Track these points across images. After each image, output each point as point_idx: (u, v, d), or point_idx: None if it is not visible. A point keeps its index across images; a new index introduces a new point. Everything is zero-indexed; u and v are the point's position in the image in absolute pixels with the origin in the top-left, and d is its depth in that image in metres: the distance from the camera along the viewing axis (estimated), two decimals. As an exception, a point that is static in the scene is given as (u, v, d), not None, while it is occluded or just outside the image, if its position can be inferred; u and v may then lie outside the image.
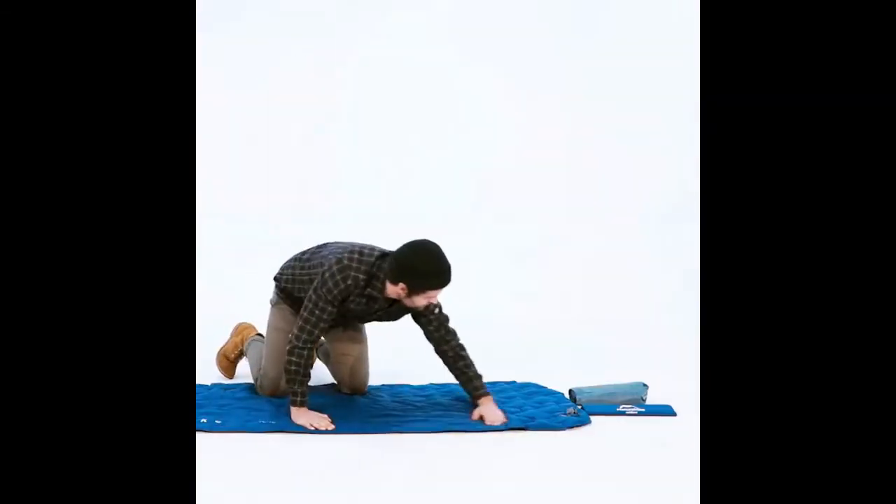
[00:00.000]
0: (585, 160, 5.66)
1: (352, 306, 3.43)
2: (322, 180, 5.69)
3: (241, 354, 3.98)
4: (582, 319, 5.03)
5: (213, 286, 5.00)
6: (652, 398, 3.68)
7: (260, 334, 3.94)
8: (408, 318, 3.58)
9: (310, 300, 3.38)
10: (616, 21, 5.72)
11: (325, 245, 3.62)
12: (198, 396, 3.56)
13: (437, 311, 3.52)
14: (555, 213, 5.61)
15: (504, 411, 3.43)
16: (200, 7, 4.62)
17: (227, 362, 3.97)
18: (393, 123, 5.72)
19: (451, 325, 3.56)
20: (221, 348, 4.01)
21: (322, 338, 3.64)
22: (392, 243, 3.54)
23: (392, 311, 3.50)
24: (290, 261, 3.68)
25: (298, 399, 3.36)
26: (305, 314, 3.37)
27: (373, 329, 3.86)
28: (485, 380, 3.54)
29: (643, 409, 3.55)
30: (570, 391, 3.71)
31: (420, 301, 3.35)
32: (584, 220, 5.60)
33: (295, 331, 3.38)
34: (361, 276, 3.35)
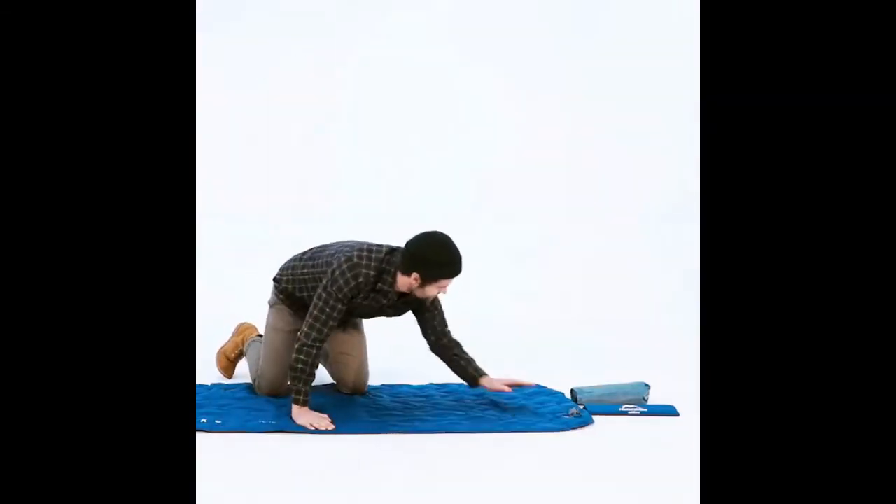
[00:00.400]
0: (585, 160, 5.67)
1: (361, 302, 3.44)
2: (322, 180, 5.69)
3: (240, 355, 3.98)
4: (582, 319, 5.04)
5: (212, 286, 5.01)
6: (652, 398, 3.68)
7: (260, 335, 3.94)
8: (408, 316, 3.59)
9: (319, 298, 3.38)
10: (616, 21, 5.73)
11: (327, 245, 3.62)
12: (198, 396, 3.56)
13: (439, 305, 3.57)
14: (555, 213, 5.61)
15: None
16: (200, 7, 4.62)
17: (227, 362, 3.97)
18: (393, 123, 5.73)
19: (450, 323, 3.61)
20: (221, 348, 4.01)
21: None
22: (393, 243, 3.54)
23: (399, 305, 3.51)
24: (289, 261, 3.68)
25: (301, 398, 3.36)
26: (315, 312, 3.37)
27: (372, 328, 3.86)
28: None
29: (645, 409, 3.55)
30: (572, 391, 3.71)
31: (432, 291, 3.38)
32: (584, 220, 5.60)
33: (304, 328, 3.37)
34: (372, 273, 3.37)
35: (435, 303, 3.54)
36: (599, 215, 5.61)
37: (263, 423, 3.34)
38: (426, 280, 3.34)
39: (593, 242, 5.52)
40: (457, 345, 3.60)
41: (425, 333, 3.60)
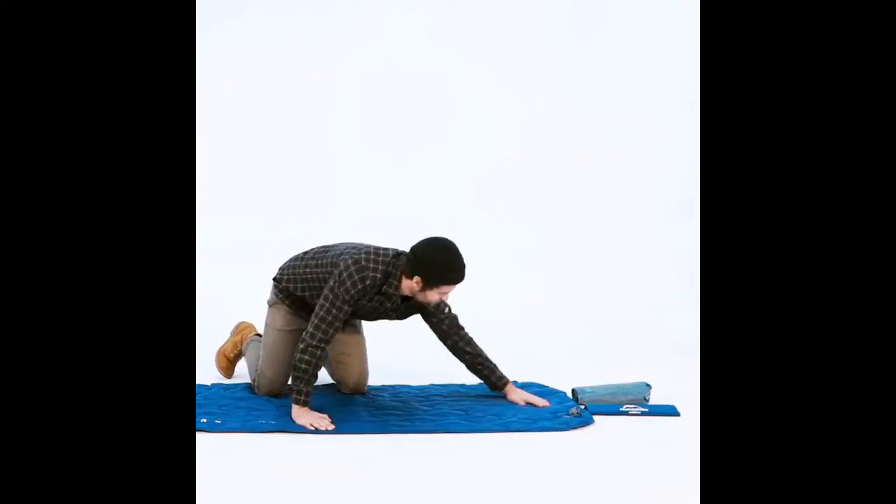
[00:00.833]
0: (586, 160, 5.66)
1: (366, 304, 3.46)
2: (322, 180, 5.69)
3: (239, 354, 3.98)
4: (582, 319, 5.03)
5: (212, 286, 5.00)
6: (653, 398, 3.68)
7: (259, 334, 3.94)
8: (415, 318, 3.60)
9: (326, 299, 3.39)
10: (616, 21, 5.72)
11: (332, 246, 3.63)
12: (198, 396, 3.56)
13: (447, 310, 3.60)
14: (555, 213, 5.61)
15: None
16: (200, 7, 4.62)
17: (227, 362, 3.97)
18: (393, 123, 5.72)
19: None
20: (220, 348, 4.00)
21: None
22: (392, 243, 3.54)
23: (402, 309, 3.52)
24: (290, 261, 3.68)
25: (302, 398, 3.36)
26: (322, 313, 3.38)
27: (374, 329, 3.86)
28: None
29: (646, 409, 3.55)
30: (573, 391, 3.71)
31: (433, 297, 3.39)
32: (584, 220, 5.60)
33: (310, 329, 3.38)
34: (378, 276, 3.39)
35: (440, 307, 3.57)
36: (599, 215, 5.60)
37: (263, 423, 3.34)
38: (428, 284, 3.36)
39: (593, 242, 5.52)
40: (474, 349, 3.64)
41: (440, 338, 3.64)
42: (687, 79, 5.27)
